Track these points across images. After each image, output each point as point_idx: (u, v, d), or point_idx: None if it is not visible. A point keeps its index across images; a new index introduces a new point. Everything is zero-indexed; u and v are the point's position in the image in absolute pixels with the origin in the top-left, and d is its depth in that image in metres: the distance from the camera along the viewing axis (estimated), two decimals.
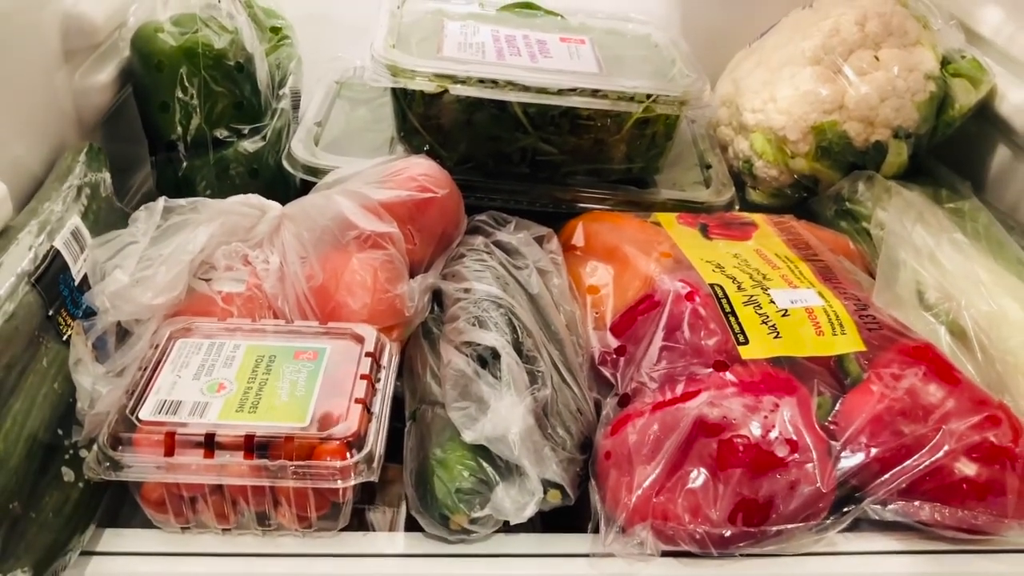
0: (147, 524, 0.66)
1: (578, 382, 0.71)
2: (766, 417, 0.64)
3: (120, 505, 0.68)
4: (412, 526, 0.71)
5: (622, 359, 0.72)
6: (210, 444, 0.60)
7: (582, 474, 0.67)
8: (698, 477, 0.63)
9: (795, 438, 0.64)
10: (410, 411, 0.72)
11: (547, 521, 0.70)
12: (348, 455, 0.61)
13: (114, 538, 0.65)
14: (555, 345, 0.72)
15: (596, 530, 0.68)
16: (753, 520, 0.63)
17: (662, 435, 0.64)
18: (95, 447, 0.60)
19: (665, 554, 0.65)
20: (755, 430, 0.64)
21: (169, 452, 0.60)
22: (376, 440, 0.63)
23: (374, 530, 0.71)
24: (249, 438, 0.61)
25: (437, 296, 0.80)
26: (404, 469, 0.67)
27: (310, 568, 0.65)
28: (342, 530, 0.66)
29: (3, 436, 0.58)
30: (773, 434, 0.64)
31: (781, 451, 0.63)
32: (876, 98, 0.92)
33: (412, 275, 0.78)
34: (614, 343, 0.74)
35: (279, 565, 0.64)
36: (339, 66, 1.12)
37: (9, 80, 0.76)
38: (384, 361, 0.69)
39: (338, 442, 0.61)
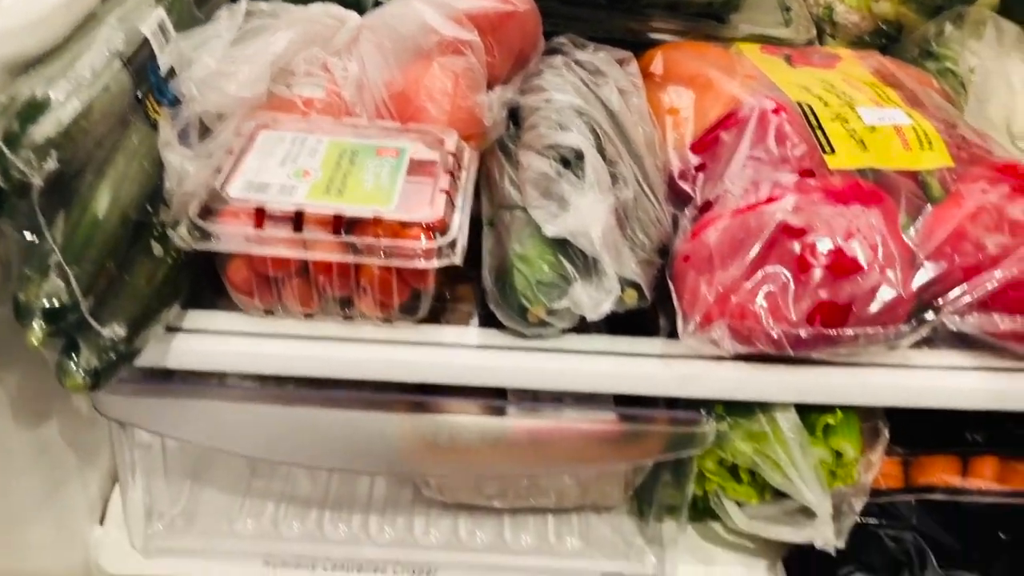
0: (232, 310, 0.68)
1: (656, 195, 0.70)
2: (851, 222, 0.64)
3: (205, 294, 0.69)
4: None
5: (702, 174, 0.72)
6: (299, 221, 0.61)
7: (658, 278, 0.68)
8: (778, 278, 0.63)
9: (879, 245, 0.63)
10: (487, 219, 0.72)
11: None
12: (433, 237, 0.61)
13: (200, 317, 0.67)
14: (635, 160, 0.71)
15: (669, 336, 0.69)
16: (831, 322, 0.63)
17: (744, 237, 0.64)
18: (185, 219, 0.62)
19: (737, 358, 0.66)
20: (839, 235, 0.63)
21: (259, 225, 0.61)
22: (460, 229, 0.63)
23: None
24: (338, 217, 0.61)
25: (513, 115, 0.79)
26: (483, 267, 0.68)
27: (389, 354, 0.66)
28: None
29: (99, 199, 0.59)
30: (857, 239, 0.63)
31: (864, 256, 0.63)
32: None
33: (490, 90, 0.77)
34: (695, 160, 0.73)
35: (359, 350, 0.66)
36: None
37: None
38: (465, 162, 0.69)
39: (423, 225, 0.61)
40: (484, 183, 0.75)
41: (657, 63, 0.84)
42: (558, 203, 0.66)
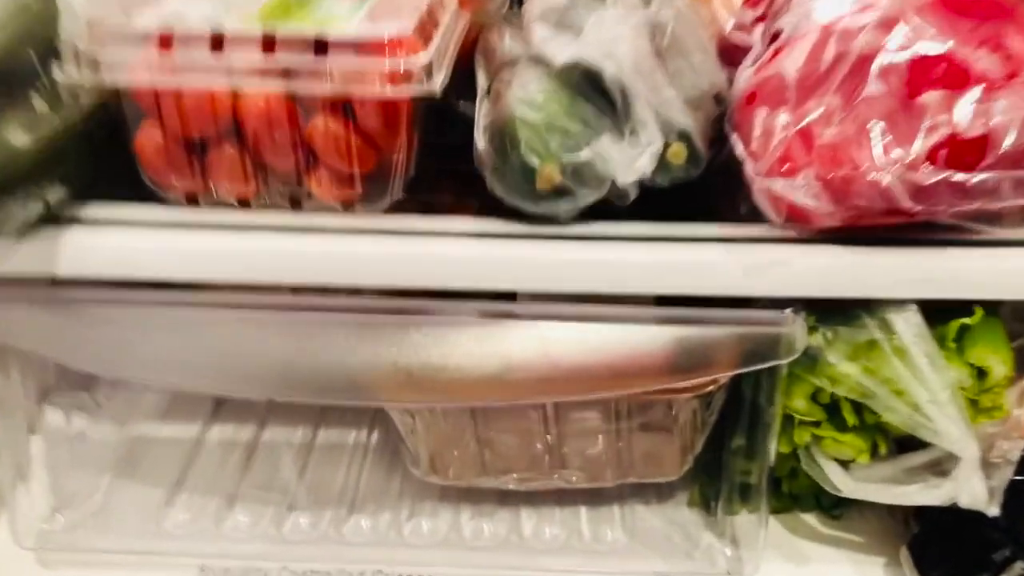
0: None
1: (705, 47, 0.54)
2: (971, 32, 0.46)
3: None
4: None
5: (761, 24, 0.55)
6: (218, 44, 0.45)
7: (715, 132, 0.50)
8: (883, 107, 0.45)
9: (1014, 59, 0.46)
10: (484, 90, 0.56)
11: None
12: (400, 57, 0.45)
13: (102, 208, 0.51)
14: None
15: (734, 218, 0.51)
16: (962, 161, 0.45)
17: (832, 58, 0.47)
18: (74, 50, 0.46)
19: (830, 239, 0.48)
20: (960, 46, 0.46)
21: (166, 49, 0.45)
22: (439, 55, 0.46)
23: None
24: (269, 39, 0.45)
25: None
26: (476, 130, 0.51)
27: (352, 247, 0.49)
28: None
29: None
30: (983, 51, 0.46)
31: (995, 70, 0.45)
32: None
33: None
34: (751, 15, 0.56)
35: (311, 244, 0.49)
36: None
37: None
38: (447, 4, 0.53)
39: (388, 41, 0.45)
40: (481, 58, 0.58)
41: None
42: (574, 33, 0.49)
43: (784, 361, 0.47)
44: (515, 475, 0.58)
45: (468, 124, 0.53)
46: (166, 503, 0.60)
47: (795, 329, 0.47)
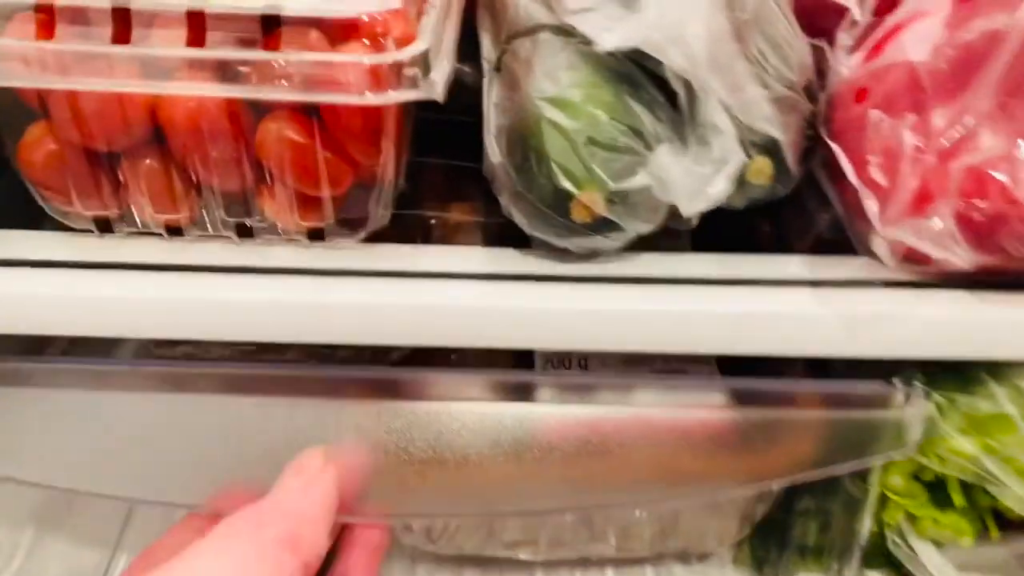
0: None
1: (785, 14, 0.40)
2: None
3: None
4: None
5: None
6: (123, 23, 0.31)
7: (810, 140, 0.37)
8: None
9: None
10: (493, 62, 0.42)
11: None
12: (385, 46, 0.31)
13: None
14: None
15: (813, 249, 0.39)
16: None
17: (977, 41, 0.34)
18: None
19: (947, 283, 0.36)
20: None
21: (46, 32, 0.31)
22: (439, 36, 0.33)
23: None
24: (196, 16, 0.31)
25: None
26: (484, 132, 0.38)
27: (320, 294, 0.36)
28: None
29: None
30: None
31: None
32: None
33: None
34: None
35: (265, 288, 0.36)
36: None
37: None
38: None
39: (365, 21, 0.31)
40: (487, 23, 0.45)
41: None
42: (621, 2, 0.35)
43: (893, 456, 0.36)
44: (531, 546, 0.47)
45: (474, 95, 0.40)
46: (103, 571, 0.49)
47: (910, 413, 0.35)
